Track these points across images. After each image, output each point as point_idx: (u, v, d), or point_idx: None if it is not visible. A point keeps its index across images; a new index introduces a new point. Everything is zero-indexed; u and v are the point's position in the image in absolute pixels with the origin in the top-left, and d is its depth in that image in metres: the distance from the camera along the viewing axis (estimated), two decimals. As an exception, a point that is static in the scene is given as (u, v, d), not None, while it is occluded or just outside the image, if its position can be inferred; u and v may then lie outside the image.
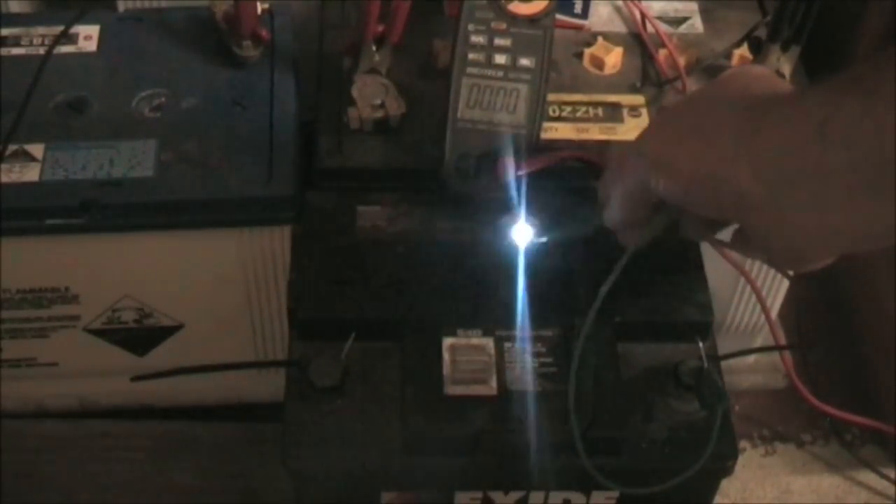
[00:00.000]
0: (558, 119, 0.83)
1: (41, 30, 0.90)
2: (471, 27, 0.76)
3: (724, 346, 0.74)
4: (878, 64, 0.49)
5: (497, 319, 0.71)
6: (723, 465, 0.69)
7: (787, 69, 0.84)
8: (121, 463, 0.93)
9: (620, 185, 0.64)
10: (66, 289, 0.86)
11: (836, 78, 0.52)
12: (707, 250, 0.73)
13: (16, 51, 0.89)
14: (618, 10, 0.92)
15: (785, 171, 0.53)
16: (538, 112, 0.76)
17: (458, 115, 0.76)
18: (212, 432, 0.96)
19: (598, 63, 0.87)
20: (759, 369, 1.03)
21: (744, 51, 0.87)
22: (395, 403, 0.68)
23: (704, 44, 0.90)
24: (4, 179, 0.79)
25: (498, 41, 0.76)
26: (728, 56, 0.88)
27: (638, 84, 0.86)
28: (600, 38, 0.89)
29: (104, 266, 0.84)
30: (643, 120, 0.83)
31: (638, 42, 0.89)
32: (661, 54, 0.87)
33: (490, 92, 0.76)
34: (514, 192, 0.76)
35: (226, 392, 0.97)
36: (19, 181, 0.79)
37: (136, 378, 0.78)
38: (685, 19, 0.92)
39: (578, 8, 0.90)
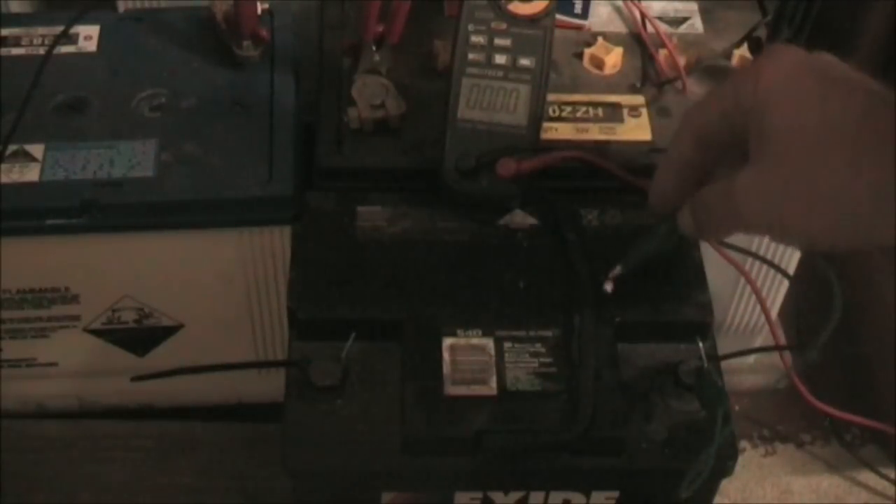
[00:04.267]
0: (558, 119, 0.83)
1: (41, 30, 0.90)
2: (471, 27, 0.76)
3: (724, 346, 0.74)
4: None
5: (497, 319, 0.71)
6: (723, 465, 0.69)
7: (787, 69, 0.84)
8: (121, 463, 0.93)
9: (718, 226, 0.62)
10: (66, 289, 0.86)
11: None
12: (707, 250, 0.73)
13: (16, 51, 0.89)
14: (618, 10, 0.92)
15: None
16: (538, 112, 0.76)
17: (458, 115, 0.76)
18: (212, 432, 0.96)
19: (598, 63, 0.87)
20: (759, 369, 1.03)
21: (744, 51, 0.87)
22: (395, 403, 0.68)
23: (704, 44, 0.90)
24: (4, 179, 0.79)
25: (498, 41, 0.76)
26: (728, 56, 0.88)
27: (638, 84, 0.86)
28: (600, 38, 0.88)
29: (104, 266, 0.84)
30: (643, 120, 0.83)
31: (638, 42, 0.89)
32: (661, 54, 0.87)
33: (490, 92, 0.76)
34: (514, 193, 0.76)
35: (226, 392, 0.97)
36: (19, 181, 0.79)
37: (136, 378, 0.78)
38: (685, 19, 0.92)
39: (578, 8, 0.90)
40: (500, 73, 0.76)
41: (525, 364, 0.69)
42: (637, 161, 0.80)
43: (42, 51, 0.86)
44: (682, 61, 0.86)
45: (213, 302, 0.88)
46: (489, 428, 0.66)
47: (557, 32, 0.78)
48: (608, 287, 0.70)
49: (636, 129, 0.83)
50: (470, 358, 0.69)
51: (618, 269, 0.70)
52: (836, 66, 0.55)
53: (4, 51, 0.88)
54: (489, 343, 0.70)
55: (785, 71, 0.55)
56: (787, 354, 0.81)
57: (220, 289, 0.86)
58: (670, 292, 0.73)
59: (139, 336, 0.90)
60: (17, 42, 0.89)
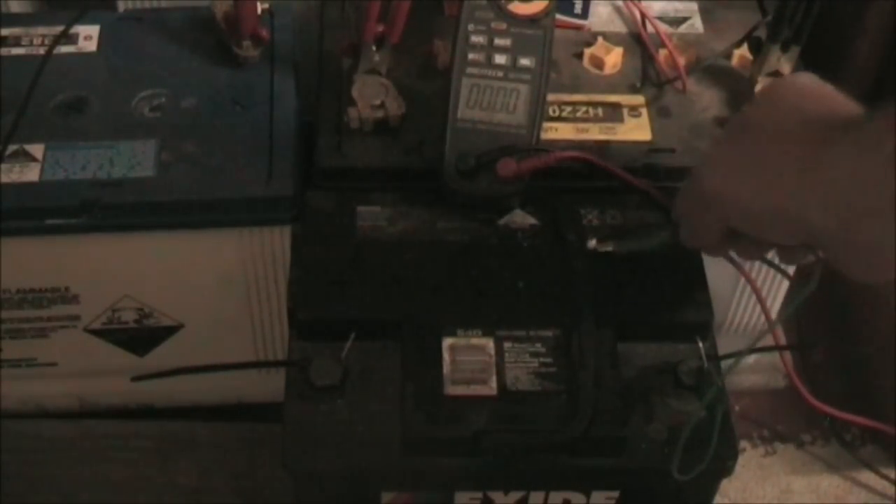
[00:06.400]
0: (558, 119, 0.83)
1: (41, 30, 0.90)
2: (471, 27, 0.76)
3: (724, 346, 0.74)
4: None
5: (497, 319, 0.71)
6: (723, 465, 0.69)
7: (787, 69, 0.84)
8: (121, 463, 0.93)
9: (692, 215, 0.65)
10: (66, 289, 0.86)
11: None
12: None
13: (16, 51, 0.89)
14: (618, 10, 0.92)
15: (855, 205, 0.52)
16: (538, 112, 0.76)
17: (458, 115, 0.76)
18: (212, 432, 0.96)
19: (598, 63, 0.87)
20: (759, 369, 1.03)
21: (744, 51, 0.87)
22: (395, 403, 0.68)
23: (704, 44, 0.90)
24: (4, 179, 0.79)
25: (498, 41, 0.76)
26: (728, 56, 0.88)
27: (638, 84, 0.86)
28: (600, 38, 0.89)
29: (104, 266, 0.84)
30: (643, 120, 0.83)
31: (638, 42, 0.89)
32: (661, 54, 0.87)
33: (490, 92, 0.76)
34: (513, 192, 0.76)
35: (226, 392, 0.97)
36: (19, 181, 0.79)
37: (136, 378, 0.78)
38: (685, 19, 0.92)
39: (578, 8, 0.90)
40: (500, 73, 0.76)
41: (525, 364, 0.69)
42: (637, 161, 0.80)
43: (42, 51, 0.86)
44: (682, 61, 0.86)
45: (213, 302, 0.88)
46: (489, 428, 0.66)
47: (557, 32, 0.79)
48: (591, 244, 0.73)
49: (636, 129, 0.83)
50: (470, 358, 0.69)
51: (609, 246, 0.73)
52: (823, 90, 0.59)
53: (4, 51, 0.88)
54: (489, 343, 0.70)
55: (781, 86, 0.61)
56: (787, 354, 0.81)
57: (220, 289, 0.86)
58: (670, 292, 0.73)
59: (139, 336, 0.90)
60: (17, 42, 0.89)
